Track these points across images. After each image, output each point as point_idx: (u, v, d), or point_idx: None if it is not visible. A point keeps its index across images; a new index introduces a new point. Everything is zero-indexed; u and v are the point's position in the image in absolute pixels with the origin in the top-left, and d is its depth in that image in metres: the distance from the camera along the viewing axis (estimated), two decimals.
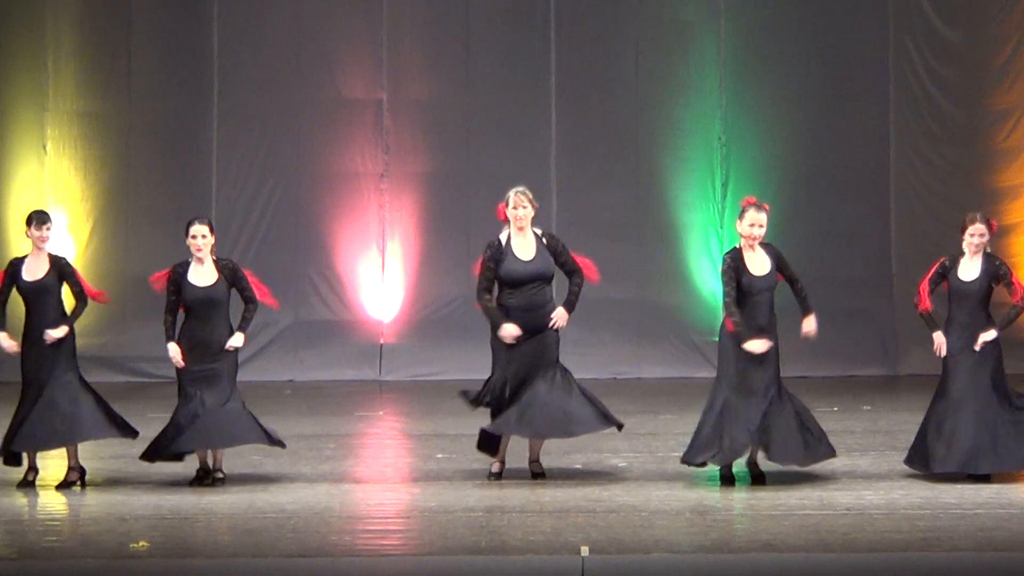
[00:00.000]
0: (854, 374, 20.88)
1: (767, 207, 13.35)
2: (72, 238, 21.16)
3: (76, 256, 21.10)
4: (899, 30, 21.44)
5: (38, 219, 13.45)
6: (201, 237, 13.30)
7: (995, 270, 13.28)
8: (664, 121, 21.46)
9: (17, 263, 13.45)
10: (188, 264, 13.31)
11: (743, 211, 13.29)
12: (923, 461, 13.27)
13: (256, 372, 20.74)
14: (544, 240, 13.47)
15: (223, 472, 13.41)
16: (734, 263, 13.15)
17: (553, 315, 13.30)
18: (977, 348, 13.15)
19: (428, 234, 21.28)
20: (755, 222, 13.20)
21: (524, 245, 13.38)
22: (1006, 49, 21.52)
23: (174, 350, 13.23)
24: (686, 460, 13.28)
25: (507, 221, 13.42)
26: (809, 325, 13.34)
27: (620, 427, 13.59)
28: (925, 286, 13.41)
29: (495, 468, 13.48)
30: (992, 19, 21.52)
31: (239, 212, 21.29)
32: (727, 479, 13.23)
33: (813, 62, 21.38)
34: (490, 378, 13.46)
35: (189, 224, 13.44)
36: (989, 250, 13.36)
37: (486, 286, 13.36)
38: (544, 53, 21.43)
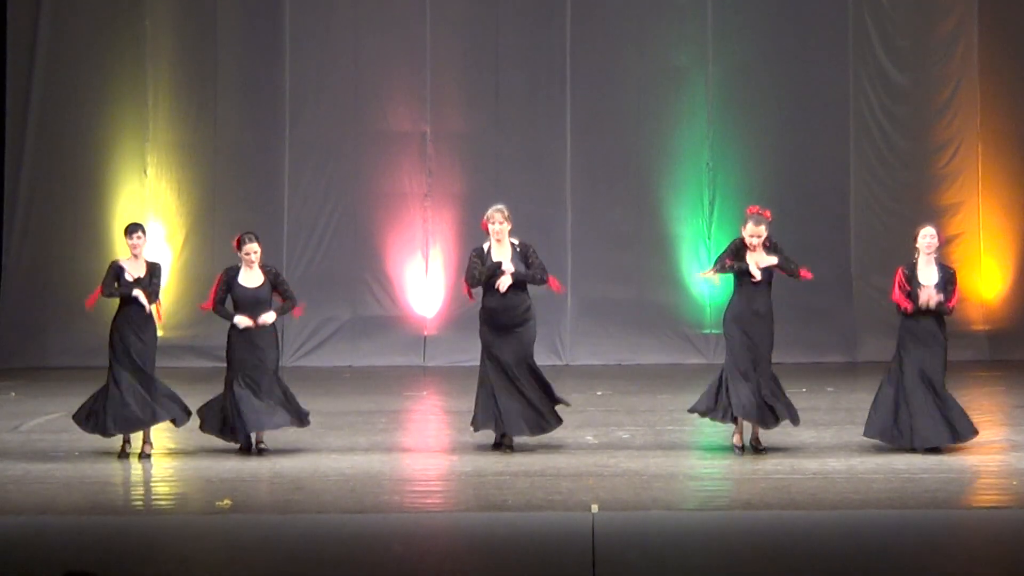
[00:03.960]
0: (819, 360, 20.82)
1: (767, 214, 13.22)
2: (168, 247, 21.20)
3: (172, 261, 21.15)
4: (857, 74, 21.39)
5: (130, 229, 13.53)
6: (253, 253, 13.36)
7: (946, 275, 13.08)
8: (661, 150, 21.43)
9: (121, 267, 13.39)
10: (238, 269, 13.37)
11: (746, 219, 13.16)
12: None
13: (321, 359, 20.81)
14: (519, 248, 13.31)
15: (264, 444, 13.39)
16: (736, 244, 13.05)
17: (501, 281, 13.05)
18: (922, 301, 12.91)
19: (464, 243, 21.22)
20: (753, 233, 13.03)
21: (502, 253, 13.28)
22: (947, 90, 21.47)
23: (242, 319, 13.24)
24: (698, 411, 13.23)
25: (488, 232, 13.36)
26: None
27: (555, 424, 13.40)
28: (900, 295, 13.09)
29: (507, 440, 13.30)
30: (935, 65, 21.48)
31: (306, 226, 21.30)
32: (740, 448, 13.07)
33: (786, 101, 21.34)
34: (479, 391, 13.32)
35: (241, 242, 13.43)
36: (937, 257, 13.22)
37: (473, 274, 13.25)
38: (561, 94, 21.40)
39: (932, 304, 12.95)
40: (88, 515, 10.94)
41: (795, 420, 13.16)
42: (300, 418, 13.39)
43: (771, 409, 13.02)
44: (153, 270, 13.44)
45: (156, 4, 21.29)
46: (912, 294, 12.99)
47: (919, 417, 12.87)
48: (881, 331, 21.05)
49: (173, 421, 13.42)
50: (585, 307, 21.25)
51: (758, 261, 12.94)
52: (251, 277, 13.39)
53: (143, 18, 21.26)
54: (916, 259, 13.14)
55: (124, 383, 13.18)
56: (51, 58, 21.15)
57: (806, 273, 13.24)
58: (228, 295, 13.40)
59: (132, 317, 13.28)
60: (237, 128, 21.44)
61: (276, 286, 13.45)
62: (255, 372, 13.24)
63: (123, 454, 13.25)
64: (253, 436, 13.33)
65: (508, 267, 13.16)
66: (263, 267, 13.46)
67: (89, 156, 21.23)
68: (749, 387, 12.94)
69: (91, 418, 13.29)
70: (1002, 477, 12.12)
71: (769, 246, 13.15)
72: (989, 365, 20.31)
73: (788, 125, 21.33)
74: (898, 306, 13.09)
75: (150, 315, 13.37)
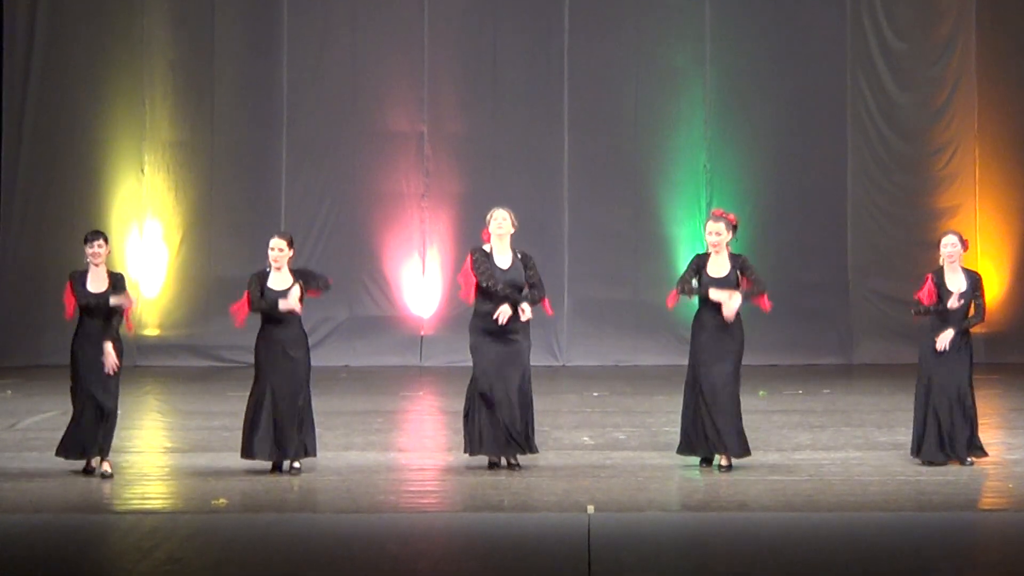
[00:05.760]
0: (815, 363, 20.83)
1: (731, 217, 12.76)
2: (166, 245, 21.20)
3: (168, 260, 21.16)
4: (855, 76, 21.42)
5: (89, 237, 12.40)
6: (278, 250, 12.69)
7: (972, 280, 12.73)
8: (658, 151, 21.44)
9: (80, 276, 12.24)
10: (267, 273, 12.68)
11: (706, 221, 12.92)
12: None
13: (317, 358, 20.45)
14: (519, 255, 12.76)
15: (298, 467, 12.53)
16: (696, 261, 12.67)
17: (502, 311, 12.41)
18: (939, 348, 12.53)
19: (461, 244, 21.23)
20: (711, 231, 12.68)
21: (503, 258, 12.85)
22: (943, 93, 21.50)
23: (284, 303, 12.43)
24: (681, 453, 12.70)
25: (490, 241, 12.86)
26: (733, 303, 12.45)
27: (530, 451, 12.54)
28: (927, 293, 12.67)
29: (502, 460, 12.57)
30: (932, 67, 21.50)
31: (303, 225, 21.28)
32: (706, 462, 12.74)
33: (783, 102, 21.36)
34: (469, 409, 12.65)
35: (270, 239, 12.77)
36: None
37: (489, 274, 12.60)
38: (558, 94, 21.41)
39: (957, 305, 12.67)
40: (83, 513, 10.93)
41: (736, 452, 12.68)
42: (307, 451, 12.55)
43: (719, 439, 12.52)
44: (116, 282, 12.30)
45: (153, 3, 21.29)
46: (942, 299, 12.63)
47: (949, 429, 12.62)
48: (878, 334, 21.11)
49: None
50: (581, 308, 21.27)
51: (725, 302, 12.54)
52: (279, 280, 12.67)
53: (140, 17, 21.28)
54: (941, 267, 12.79)
55: (84, 405, 12.23)
56: (48, 56, 21.15)
57: (766, 303, 12.73)
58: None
59: (93, 335, 12.28)
60: (234, 127, 21.45)
61: (308, 284, 12.67)
62: (286, 387, 12.47)
63: (88, 469, 12.33)
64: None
65: (504, 312, 12.53)
66: (292, 271, 12.74)
67: (86, 154, 21.23)
68: (698, 424, 12.52)
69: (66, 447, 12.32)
70: (998, 480, 12.12)
71: (738, 264, 12.68)
72: (985, 368, 20.28)
73: (785, 127, 21.35)
74: (919, 302, 12.67)
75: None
